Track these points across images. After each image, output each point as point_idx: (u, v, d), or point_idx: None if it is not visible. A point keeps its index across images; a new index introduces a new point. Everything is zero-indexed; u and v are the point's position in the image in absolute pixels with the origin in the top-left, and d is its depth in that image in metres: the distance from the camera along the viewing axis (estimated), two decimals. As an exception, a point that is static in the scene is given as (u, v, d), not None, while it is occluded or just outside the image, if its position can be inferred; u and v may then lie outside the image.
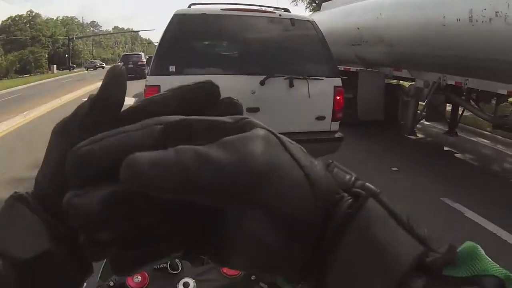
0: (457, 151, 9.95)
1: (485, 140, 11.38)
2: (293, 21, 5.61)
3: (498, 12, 6.41)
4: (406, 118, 10.00)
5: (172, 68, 5.02)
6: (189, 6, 5.97)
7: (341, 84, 5.60)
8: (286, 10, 6.30)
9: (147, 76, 5.29)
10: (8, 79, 79.63)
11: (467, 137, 11.50)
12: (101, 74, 48.64)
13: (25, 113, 15.13)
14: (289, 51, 5.60)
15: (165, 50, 5.33)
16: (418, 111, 9.89)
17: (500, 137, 11.09)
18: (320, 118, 5.47)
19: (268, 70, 5.22)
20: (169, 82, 4.90)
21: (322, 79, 5.44)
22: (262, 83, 5.12)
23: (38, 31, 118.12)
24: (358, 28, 10.58)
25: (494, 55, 6.84)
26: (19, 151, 9.53)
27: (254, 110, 5.07)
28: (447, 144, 10.55)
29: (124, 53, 48.84)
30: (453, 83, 8.48)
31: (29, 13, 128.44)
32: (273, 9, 6.28)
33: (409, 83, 10.68)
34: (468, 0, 7.16)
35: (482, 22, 6.74)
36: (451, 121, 11.02)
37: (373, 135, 10.25)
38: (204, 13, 5.44)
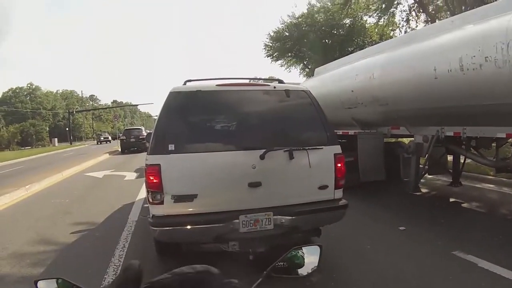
0: (463, 200, 9.86)
1: (490, 185, 11.37)
2: (288, 92, 5.67)
3: (487, 57, 6.52)
4: (409, 175, 9.95)
5: (171, 147, 5.02)
6: (185, 83, 6.05)
7: (341, 151, 5.57)
8: (280, 81, 6.39)
9: (147, 155, 5.27)
10: (10, 150, 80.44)
11: (472, 184, 11.49)
12: (104, 148, 49.21)
13: (27, 186, 15.08)
14: (287, 122, 5.65)
15: (163, 128, 5.38)
16: (420, 166, 9.86)
17: (504, 179, 11.06)
18: (323, 187, 5.40)
19: (267, 143, 5.19)
20: (169, 161, 5.01)
21: (322, 148, 5.38)
22: (262, 157, 5.07)
23: (38, 103, 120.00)
24: (352, 91, 10.67)
25: (488, 100, 6.90)
26: (21, 225, 9.42)
27: (255, 185, 5.07)
28: (452, 195, 10.49)
29: (125, 128, 51.62)
30: (451, 134, 8.52)
31: (29, 85, 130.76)
32: (267, 81, 6.32)
33: (408, 140, 10.69)
34: (457, 49, 7.27)
35: (473, 69, 6.83)
36: (453, 172, 11.04)
37: (377, 196, 10.18)
38: (200, 90, 5.52)
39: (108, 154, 35.14)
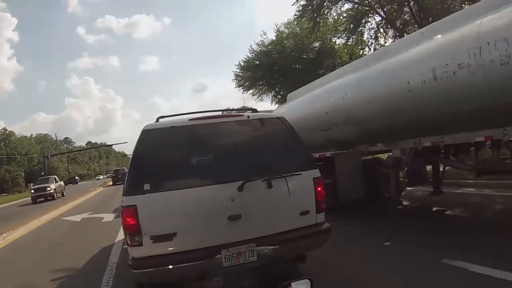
0: (446, 208, 9.93)
1: (471, 189, 11.50)
2: (262, 120, 5.62)
3: (460, 64, 6.54)
4: (390, 190, 9.85)
5: (146, 186, 4.86)
6: (157, 120, 5.92)
7: (319, 175, 5.47)
8: (254, 110, 6.30)
9: (122, 196, 5.05)
10: (-15, 197, 79.54)
11: (453, 191, 11.52)
12: (77, 190, 49.45)
13: (4, 234, 14.76)
14: (263, 151, 5.55)
15: (137, 167, 5.22)
16: (401, 179, 9.78)
17: (484, 181, 11.10)
18: (305, 212, 5.25)
19: (244, 174, 5.02)
20: (145, 201, 4.82)
21: (300, 174, 5.28)
22: (240, 189, 4.91)
23: (12, 149, 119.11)
24: (327, 113, 10.58)
25: (464, 106, 6.89)
26: (-1, 275, 9.13)
27: (236, 217, 4.90)
28: (434, 204, 10.55)
29: (115, 169, 72.37)
30: (429, 144, 8.46)
31: (3, 131, 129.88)
32: (240, 111, 6.20)
33: (386, 155, 10.64)
34: (429, 59, 7.29)
35: (447, 78, 6.84)
36: (434, 181, 11.02)
37: (359, 215, 10.08)
38: (172, 126, 5.42)
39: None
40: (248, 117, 5.67)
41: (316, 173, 5.43)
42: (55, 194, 38.07)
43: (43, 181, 41.41)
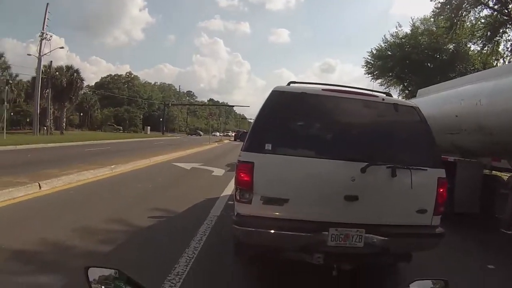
0: (559, 241, 9.16)
1: None
2: (397, 106, 5.35)
3: None
4: (504, 212, 9.18)
5: (268, 146, 4.85)
6: (288, 84, 5.86)
7: (445, 176, 5.14)
8: (388, 94, 6.10)
9: (241, 151, 5.11)
10: (101, 131, 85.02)
11: None
12: (193, 141, 50.82)
13: (112, 166, 15.70)
14: (392, 138, 5.33)
15: (261, 126, 5.23)
16: (517, 203, 9.16)
17: None
18: (422, 211, 4.99)
19: (370, 157, 4.84)
20: (263, 161, 4.82)
21: (426, 170, 5.00)
22: (363, 170, 4.73)
23: (135, 92, 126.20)
24: (456, 116, 10.07)
25: None
26: (98, 203, 9.68)
27: (352, 198, 4.77)
28: (546, 236, 9.77)
29: (237, 129, 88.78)
30: (555, 171, 7.79)
31: (128, 74, 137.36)
32: (374, 93, 6.00)
33: (508, 175, 9.99)
34: None
35: None
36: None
37: (469, 229, 9.56)
38: (304, 92, 5.27)
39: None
40: (383, 99, 5.44)
41: (442, 173, 5.13)
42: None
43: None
